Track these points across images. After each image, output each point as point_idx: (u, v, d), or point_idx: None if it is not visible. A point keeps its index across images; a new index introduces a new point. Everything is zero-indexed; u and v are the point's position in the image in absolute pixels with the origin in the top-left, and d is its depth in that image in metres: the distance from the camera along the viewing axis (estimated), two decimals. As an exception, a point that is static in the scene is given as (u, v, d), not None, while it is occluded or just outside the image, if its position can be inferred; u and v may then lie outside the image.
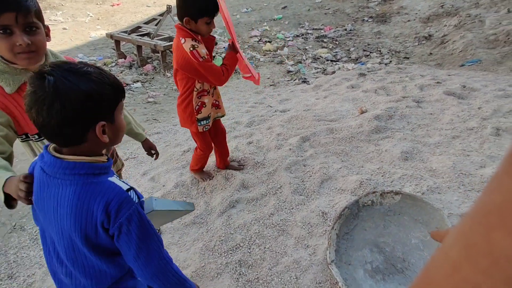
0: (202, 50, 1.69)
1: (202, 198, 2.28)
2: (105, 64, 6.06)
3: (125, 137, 3.54)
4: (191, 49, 1.66)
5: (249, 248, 1.71)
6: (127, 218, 0.81)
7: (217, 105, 2.04)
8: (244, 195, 2.13)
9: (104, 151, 0.90)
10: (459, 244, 0.24)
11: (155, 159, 1.73)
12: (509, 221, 0.20)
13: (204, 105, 1.93)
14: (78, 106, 0.75)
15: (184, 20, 1.68)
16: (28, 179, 0.89)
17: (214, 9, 1.68)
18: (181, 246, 1.86)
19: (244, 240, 1.76)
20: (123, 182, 0.86)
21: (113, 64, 6.08)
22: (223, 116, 2.15)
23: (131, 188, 0.85)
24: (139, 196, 0.86)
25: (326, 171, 2.07)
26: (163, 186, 2.51)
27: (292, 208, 1.90)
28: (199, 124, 1.97)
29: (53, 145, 0.85)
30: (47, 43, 1.23)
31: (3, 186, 0.95)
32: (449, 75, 4.36)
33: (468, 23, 6.35)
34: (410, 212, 1.54)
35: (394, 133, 2.42)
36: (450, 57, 5.65)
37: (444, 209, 1.57)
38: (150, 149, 1.69)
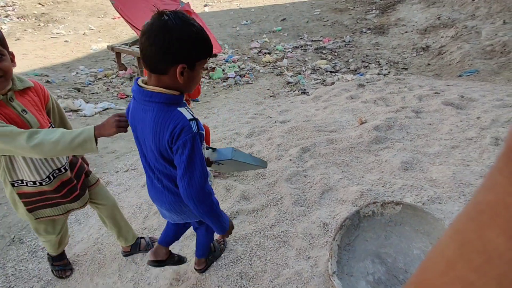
0: None
1: (202, 209, 2.27)
2: (105, 76, 6.11)
3: (125, 149, 3.51)
4: None
5: (250, 260, 1.70)
6: (183, 142, 1.00)
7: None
8: (245, 206, 2.12)
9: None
10: (453, 242, 0.24)
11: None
12: (502, 220, 0.21)
13: None
14: (174, 42, 0.94)
15: None
16: (121, 114, 1.23)
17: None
18: (181, 258, 1.85)
19: (245, 252, 1.74)
20: (189, 112, 1.04)
21: (114, 75, 6.13)
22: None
23: (194, 119, 1.03)
24: (199, 127, 1.04)
25: (326, 182, 2.07)
26: (163, 197, 2.51)
27: (293, 219, 1.89)
28: None
29: (142, 78, 1.09)
30: (19, 67, 1.32)
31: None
32: (448, 85, 4.39)
33: (465, 34, 6.44)
34: (411, 222, 1.53)
35: (394, 143, 2.43)
36: (448, 67, 5.70)
37: (445, 219, 1.56)
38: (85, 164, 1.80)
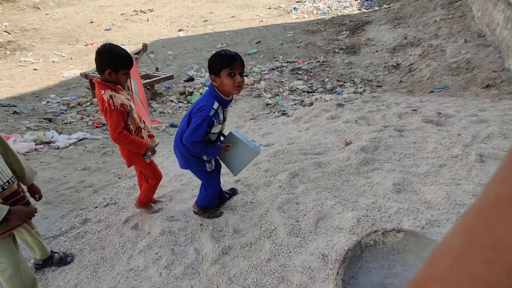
0: (118, 100, 1.99)
1: (191, 245, 2.14)
2: (79, 104, 5.89)
3: (104, 182, 3.33)
4: (109, 98, 1.98)
5: (249, 301, 1.58)
6: (198, 110, 1.88)
7: (151, 136, 2.41)
8: (237, 239, 2.01)
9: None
10: (462, 237, 0.24)
11: (37, 200, 1.95)
12: None
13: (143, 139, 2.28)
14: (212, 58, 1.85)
15: (106, 73, 2.00)
16: (34, 211, 1.76)
17: (130, 63, 2.08)
18: (172, 303, 1.70)
19: (242, 292, 1.63)
20: (216, 103, 1.88)
21: (88, 103, 5.92)
22: (158, 144, 2.49)
23: (216, 110, 1.88)
24: (215, 117, 1.89)
25: (320, 209, 2.01)
26: (148, 233, 2.35)
27: (290, 252, 1.80)
28: (145, 156, 2.27)
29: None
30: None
31: None
32: (421, 101, 4.55)
33: (431, 53, 6.79)
34: (414, 249, 1.49)
35: (382, 164, 2.43)
36: (419, 84, 5.95)
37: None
38: (35, 193, 1.93)
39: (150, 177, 2.40)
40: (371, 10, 11.06)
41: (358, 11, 11.14)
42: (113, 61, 1.99)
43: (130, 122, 2.13)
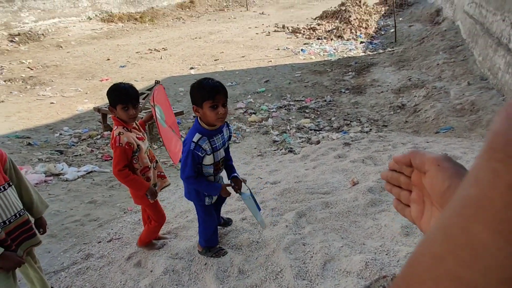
0: (124, 138, 2.06)
1: (194, 285, 2.09)
2: (90, 137, 6.03)
3: (109, 216, 3.33)
4: (117, 134, 2.07)
5: None
6: (184, 148, 1.97)
7: (163, 176, 2.42)
8: (242, 281, 1.97)
9: None
10: (439, 237, 0.24)
11: (41, 234, 1.94)
12: (487, 214, 0.21)
13: (149, 180, 2.26)
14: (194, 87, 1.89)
15: (111, 109, 2.13)
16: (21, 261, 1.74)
17: (126, 98, 2.09)
18: None
19: (246, 339, 1.57)
20: (198, 135, 1.90)
21: (99, 136, 6.06)
22: (168, 185, 2.50)
23: (196, 143, 1.90)
24: (196, 149, 1.90)
25: (327, 251, 1.97)
26: (151, 271, 2.31)
27: (296, 296, 1.75)
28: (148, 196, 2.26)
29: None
30: None
31: None
32: (428, 142, 4.57)
33: (435, 94, 6.92)
34: (425, 298, 1.44)
35: (390, 206, 2.40)
36: (424, 124, 6.00)
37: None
38: (40, 227, 1.93)
39: (153, 218, 2.39)
40: (375, 52, 11.47)
41: (363, 54, 11.55)
42: (110, 98, 2.12)
43: (136, 161, 2.16)
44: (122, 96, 2.09)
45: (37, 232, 1.87)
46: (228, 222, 2.60)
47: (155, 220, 2.39)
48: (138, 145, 2.14)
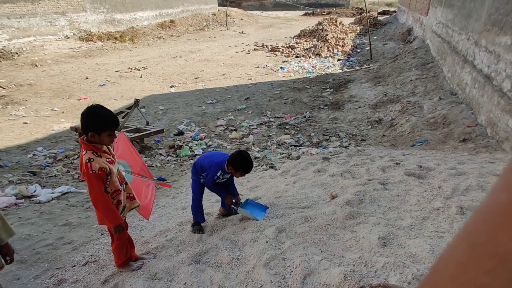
0: (96, 164, 2.00)
1: (173, 306, 2.02)
2: (66, 157, 5.86)
3: (85, 238, 3.21)
4: (87, 161, 2.00)
5: None
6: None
7: (132, 197, 2.37)
8: (222, 299, 1.92)
9: None
10: (464, 244, 0.24)
11: (8, 264, 1.82)
12: None
13: (120, 203, 2.22)
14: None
15: (89, 135, 2.02)
16: None
17: (114, 124, 2.08)
18: None
19: None
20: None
21: (76, 156, 5.90)
22: (138, 206, 2.44)
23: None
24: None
25: (307, 265, 1.97)
26: (128, 295, 2.22)
27: (276, 312, 1.73)
28: (115, 232, 2.21)
29: None
30: None
31: None
32: (404, 155, 4.71)
33: (410, 109, 7.19)
34: (402, 307, 1.46)
35: (368, 218, 2.44)
36: (401, 138, 6.20)
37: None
38: (6, 255, 1.80)
39: (114, 237, 2.34)
40: (352, 69, 11.88)
41: (341, 70, 11.94)
42: (92, 123, 2.01)
43: (108, 185, 2.12)
44: (110, 123, 2.04)
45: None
46: (231, 210, 3.01)
47: (117, 239, 2.34)
48: (110, 168, 2.08)
